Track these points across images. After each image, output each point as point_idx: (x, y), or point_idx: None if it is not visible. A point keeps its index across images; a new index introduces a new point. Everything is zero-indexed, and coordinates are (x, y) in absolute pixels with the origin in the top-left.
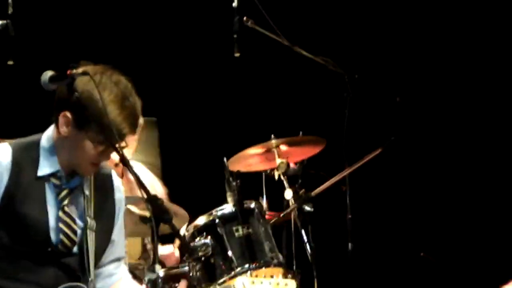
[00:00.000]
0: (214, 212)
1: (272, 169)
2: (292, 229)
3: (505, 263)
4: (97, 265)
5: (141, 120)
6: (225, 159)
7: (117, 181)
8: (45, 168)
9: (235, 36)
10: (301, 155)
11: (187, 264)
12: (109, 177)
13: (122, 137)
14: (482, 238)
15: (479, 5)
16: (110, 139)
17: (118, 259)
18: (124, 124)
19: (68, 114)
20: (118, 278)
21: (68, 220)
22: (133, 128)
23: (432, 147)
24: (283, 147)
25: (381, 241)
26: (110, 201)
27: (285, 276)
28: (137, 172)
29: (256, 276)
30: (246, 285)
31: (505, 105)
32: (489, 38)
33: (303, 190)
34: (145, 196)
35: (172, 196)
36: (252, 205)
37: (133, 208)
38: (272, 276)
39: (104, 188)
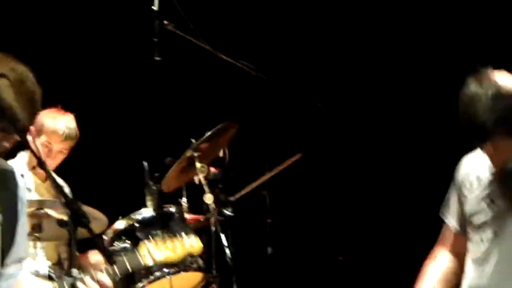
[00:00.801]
0: (133, 216)
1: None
2: (212, 233)
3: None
4: (3, 263)
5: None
6: (145, 163)
7: (20, 181)
8: None
9: (155, 39)
10: (219, 146)
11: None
12: (12, 174)
13: (18, 125)
14: (400, 242)
15: (399, 9)
16: (5, 126)
17: (19, 260)
18: (20, 111)
19: None
20: (18, 279)
21: None
22: (30, 116)
23: (351, 152)
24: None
25: (300, 245)
26: (13, 198)
27: (205, 278)
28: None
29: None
30: (151, 252)
31: (425, 113)
32: (410, 44)
33: (223, 194)
34: (62, 199)
35: (90, 200)
36: (172, 209)
37: (51, 212)
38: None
39: (7, 184)
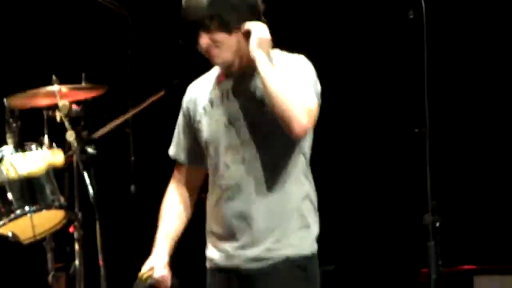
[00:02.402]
0: None
1: (54, 110)
2: (74, 172)
3: None
4: None
5: None
6: (4, 100)
7: None
8: None
9: None
10: (82, 96)
11: None
12: None
13: None
14: None
15: None
16: None
17: None
18: None
19: None
20: None
21: None
22: None
23: None
24: (64, 89)
25: (163, 183)
26: None
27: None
28: None
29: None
30: (14, 165)
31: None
32: None
33: (85, 132)
34: None
35: None
36: (33, 147)
37: None
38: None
39: None
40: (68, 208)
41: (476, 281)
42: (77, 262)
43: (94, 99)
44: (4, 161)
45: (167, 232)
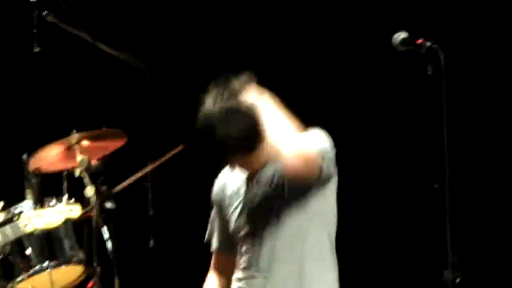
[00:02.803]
0: (12, 209)
1: (73, 166)
2: (94, 226)
3: None
4: None
5: None
6: (24, 156)
7: None
8: None
9: (34, 30)
10: (103, 150)
11: None
12: None
13: None
14: None
15: None
16: None
17: None
18: None
19: None
20: None
21: None
22: None
23: None
24: (85, 143)
25: (182, 238)
26: None
27: (85, 272)
28: None
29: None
30: (32, 219)
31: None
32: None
33: (105, 186)
34: None
35: None
36: (52, 202)
37: None
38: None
39: None
40: (87, 262)
41: None
42: None
43: (113, 153)
44: (22, 216)
45: None
